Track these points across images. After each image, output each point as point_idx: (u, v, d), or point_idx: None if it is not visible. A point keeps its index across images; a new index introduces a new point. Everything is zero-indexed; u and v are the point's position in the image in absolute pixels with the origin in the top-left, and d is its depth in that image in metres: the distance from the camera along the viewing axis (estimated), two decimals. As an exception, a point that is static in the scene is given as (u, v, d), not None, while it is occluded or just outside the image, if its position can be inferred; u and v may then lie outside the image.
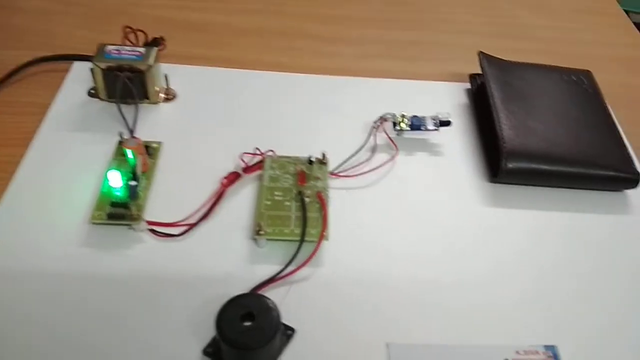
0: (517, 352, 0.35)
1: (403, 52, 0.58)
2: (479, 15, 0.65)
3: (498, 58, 0.52)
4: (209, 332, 0.33)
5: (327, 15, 0.62)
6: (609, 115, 0.49)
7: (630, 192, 0.45)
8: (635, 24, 0.68)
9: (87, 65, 0.48)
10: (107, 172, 0.39)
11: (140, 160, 0.40)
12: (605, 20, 0.67)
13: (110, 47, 0.46)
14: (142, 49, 0.47)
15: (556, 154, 0.44)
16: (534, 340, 0.35)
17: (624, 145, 0.47)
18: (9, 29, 0.56)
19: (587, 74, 0.53)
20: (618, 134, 0.47)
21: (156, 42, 0.50)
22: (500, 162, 0.43)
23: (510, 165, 0.43)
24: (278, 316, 0.32)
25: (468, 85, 0.54)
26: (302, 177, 0.42)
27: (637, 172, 0.45)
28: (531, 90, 0.49)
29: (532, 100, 0.48)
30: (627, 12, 1.30)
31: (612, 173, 0.44)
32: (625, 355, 0.35)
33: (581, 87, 0.51)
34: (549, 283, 0.39)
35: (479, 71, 0.51)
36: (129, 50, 0.46)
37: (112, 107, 0.47)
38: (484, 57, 0.52)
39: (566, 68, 0.53)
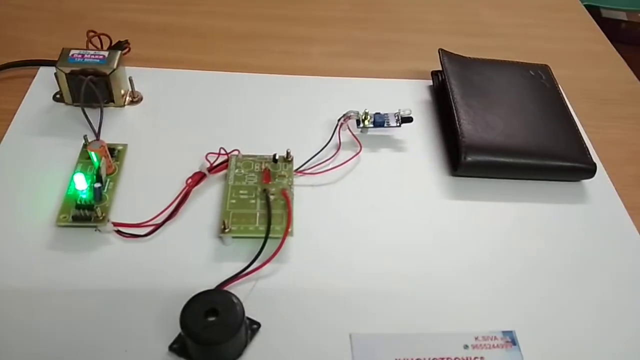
0: (476, 338, 0.36)
1: (369, 51, 0.59)
2: (442, 14, 0.67)
3: (458, 55, 0.54)
4: (175, 329, 0.34)
5: (293, 16, 0.63)
6: (566, 108, 0.51)
7: (586, 182, 0.47)
8: (605, 19, 0.70)
9: (52, 70, 0.48)
10: (72, 175, 0.40)
11: (104, 163, 0.40)
12: (565, 15, 0.69)
13: (73, 52, 0.46)
14: (105, 53, 0.47)
15: (514, 147, 0.46)
16: (493, 327, 0.36)
17: (580, 137, 0.48)
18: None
19: (545, 68, 0.54)
20: (575, 126, 0.49)
21: (120, 46, 0.51)
22: (459, 156, 0.45)
23: (469, 158, 0.44)
24: (242, 311, 0.33)
25: (430, 82, 0.55)
26: (267, 176, 0.42)
27: (593, 162, 0.46)
28: (490, 86, 0.51)
29: (491, 95, 0.50)
30: (597, 7, 1.33)
31: (569, 164, 0.46)
32: (580, 337, 0.37)
33: (539, 82, 0.53)
34: (508, 271, 0.40)
35: (441, 68, 0.52)
36: (93, 54, 0.47)
37: (77, 111, 0.47)
38: (444, 54, 0.53)
39: (525, 63, 0.54)
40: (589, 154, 0.47)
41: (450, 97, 0.49)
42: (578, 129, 0.49)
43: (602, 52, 0.64)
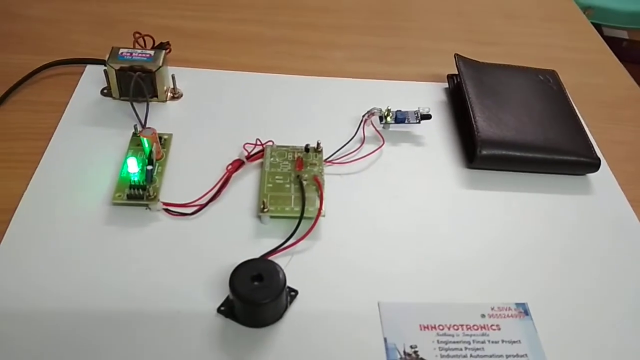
0: (492, 309, 0.40)
1: (388, 56, 0.64)
2: (456, 23, 0.71)
3: (472, 59, 0.58)
4: (221, 294, 0.38)
5: (318, 23, 0.68)
6: (573, 109, 0.55)
7: (592, 176, 0.51)
8: (607, 37, 0.74)
9: (99, 67, 0.53)
10: (125, 159, 0.44)
11: (155, 148, 0.45)
12: (569, 27, 0.74)
13: (122, 50, 0.51)
14: (151, 52, 0.51)
15: (525, 142, 0.50)
16: (507, 300, 0.40)
17: (585, 135, 0.52)
18: (17, 35, 0.61)
19: (553, 73, 0.59)
20: (580, 125, 0.53)
21: (162, 46, 0.55)
22: (475, 150, 0.49)
23: (484, 152, 0.49)
24: (284, 277, 0.37)
25: (446, 85, 0.59)
26: (299, 163, 0.47)
27: (598, 157, 0.50)
28: (502, 87, 0.55)
29: (503, 96, 0.54)
30: (599, 25, 1.37)
31: (575, 158, 0.50)
32: (585, 305, 0.40)
33: (547, 85, 0.57)
34: (519, 251, 0.44)
35: (456, 72, 0.57)
36: (140, 53, 0.51)
37: (124, 104, 0.51)
38: (459, 58, 0.57)
39: (534, 68, 0.59)
40: (594, 149, 0.51)
41: (466, 96, 0.53)
42: (583, 128, 0.53)
43: (604, 61, 0.68)
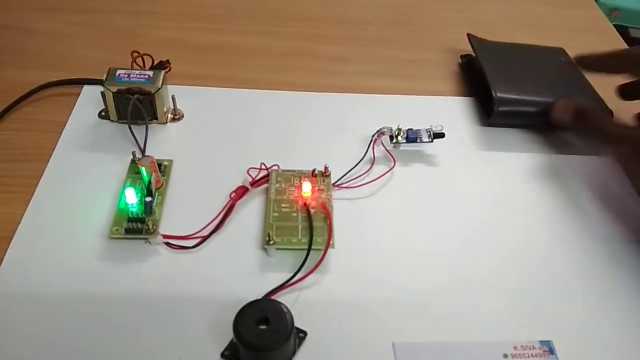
0: (515, 348, 0.37)
1: (401, 70, 0.61)
2: (475, 33, 0.67)
3: (484, 39, 0.60)
4: (225, 336, 0.35)
5: (328, 35, 0.65)
6: (583, 75, 0.55)
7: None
8: (634, 38, 0.72)
9: (97, 88, 0.51)
10: (123, 189, 0.42)
11: (154, 177, 0.42)
12: (596, 37, 0.69)
13: (120, 71, 0.49)
14: (150, 72, 0.49)
15: (540, 101, 0.52)
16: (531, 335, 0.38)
17: (598, 95, 0.53)
18: (23, 50, 0.59)
19: (561, 50, 0.60)
20: (592, 88, 0.54)
21: (162, 65, 0.53)
22: (492, 107, 0.51)
23: (501, 108, 0.51)
24: (291, 319, 0.34)
25: (461, 99, 0.57)
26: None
27: (609, 109, 0.51)
28: (515, 57, 0.58)
29: (516, 63, 0.57)
30: (626, 27, 1.34)
31: None
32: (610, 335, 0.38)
33: (557, 57, 0.59)
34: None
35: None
36: (138, 74, 0.49)
37: (122, 127, 0.49)
38: (472, 36, 0.60)
39: (543, 46, 0.60)
40: (604, 103, 0.52)
41: (483, 65, 0.55)
42: (595, 90, 0.54)
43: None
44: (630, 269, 0.42)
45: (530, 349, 0.37)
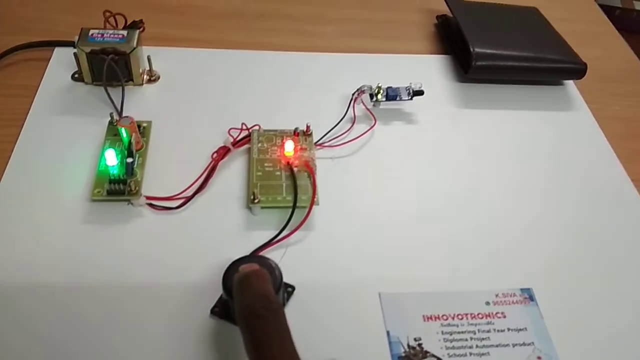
0: (497, 295, 0.38)
1: (380, 30, 0.61)
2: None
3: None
4: (214, 293, 0.36)
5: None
6: (555, 32, 0.57)
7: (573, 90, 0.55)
8: (600, 5, 0.72)
9: (68, 50, 0.49)
10: (103, 151, 0.41)
11: (134, 138, 0.42)
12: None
13: (93, 31, 0.47)
14: (124, 32, 0.48)
15: (515, 54, 0.53)
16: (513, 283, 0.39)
17: (570, 47, 0.55)
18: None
19: (534, 8, 0.62)
20: (566, 43, 0.56)
21: (136, 25, 0.51)
22: (470, 62, 0.52)
23: (479, 63, 0.52)
24: (280, 274, 0.34)
25: (438, 57, 0.57)
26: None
27: (583, 62, 0.54)
28: (491, 16, 0.59)
29: (492, 21, 0.58)
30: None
31: (562, 65, 0.54)
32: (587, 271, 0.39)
33: (531, 14, 0.61)
34: (526, 228, 0.42)
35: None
36: (112, 34, 0.47)
37: (97, 90, 0.48)
38: None
39: (517, 5, 0.62)
40: (579, 58, 0.54)
41: (459, 21, 0.56)
42: (568, 44, 0.56)
43: (603, 33, 0.66)
44: (609, 219, 0.44)
45: (511, 296, 0.38)
